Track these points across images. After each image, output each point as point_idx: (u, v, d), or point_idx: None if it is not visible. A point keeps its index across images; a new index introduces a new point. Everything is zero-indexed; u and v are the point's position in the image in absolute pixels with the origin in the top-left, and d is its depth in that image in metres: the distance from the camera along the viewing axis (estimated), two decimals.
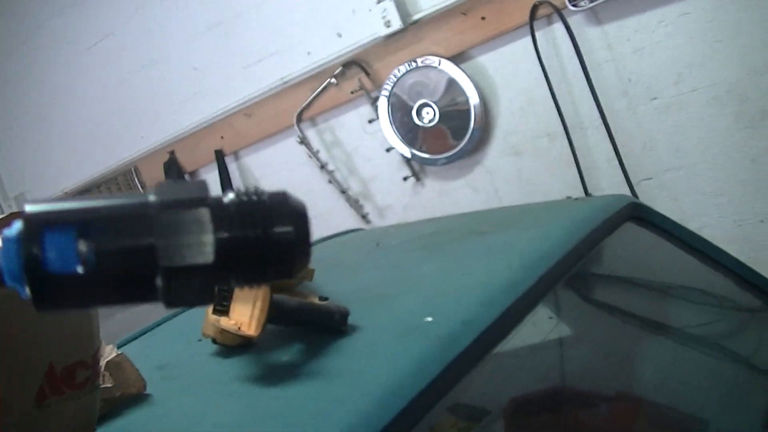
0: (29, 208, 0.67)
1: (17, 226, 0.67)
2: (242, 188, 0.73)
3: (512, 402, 1.95)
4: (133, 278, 0.68)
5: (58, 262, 0.65)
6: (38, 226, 0.66)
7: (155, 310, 2.55)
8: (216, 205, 0.70)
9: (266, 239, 0.71)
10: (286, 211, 0.73)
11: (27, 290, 0.66)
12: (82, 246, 0.66)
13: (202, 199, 0.70)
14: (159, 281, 0.67)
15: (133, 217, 0.68)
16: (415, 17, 4.54)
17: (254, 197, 0.72)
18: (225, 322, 1.72)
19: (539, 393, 2.04)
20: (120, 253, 0.67)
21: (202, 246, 0.68)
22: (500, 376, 1.90)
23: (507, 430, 1.94)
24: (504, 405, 1.93)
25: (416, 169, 4.92)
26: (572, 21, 4.16)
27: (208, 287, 0.70)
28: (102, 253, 0.66)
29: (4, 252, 0.67)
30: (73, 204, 0.69)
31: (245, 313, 1.69)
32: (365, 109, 4.93)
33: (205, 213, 0.69)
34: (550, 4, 4.12)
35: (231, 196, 0.72)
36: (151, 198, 0.69)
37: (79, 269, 0.65)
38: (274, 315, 1.72)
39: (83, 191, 6.26)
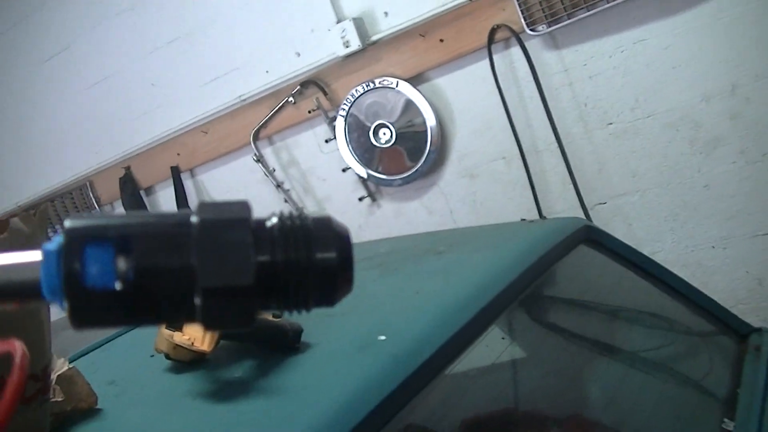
0: (69, 222, 0.67)
1: (58, 239, 0.67)
2: (286, 212, 0.72)
3: (464, 424, 1.95)
4: (172, 297, 0.67)
5: (98, 277, 0.65)
6: (79, 240, 0.66)
7: None
8: (258, 227, 0.70)
9: (308, 264, 0.69)
10: (330, 237, 0.71)
11: (65, 305, 0.65)
12: (122, 262, 0.65)
13: (244, 219, 0.69)
14: (198, 301, 0.66)
15: (173, 235, 0.68)
16: (374, 38, 4.56)
17: (297, 221, 0.71)
18: (178, 337, 1.71)
19: (491, 415, 2.04)
20: (159, 270, 0.66)
21: (243, 267, 0.67)
22: (453, 397, 1.90)
23: None
24: (456, 427, 1.93)
25: (372, 190, 4.93)
26: (530, 45, 4.19)
27: (249, 310, 0.68)
28: (141, 270, 0.66)
29: (44, 265, 0.66)
30: (114, 220, 0.68)
31: (199, 329, 1.68)
32: (322, 129, 4.92)
33: (246, 234, 0.68)
34: (508, 27, 4.15)
35: (274, 219, 0.71)
36: (193, 217, 0.68)
37: (118, 285, 0.65)
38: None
39: (36, 205, 6.20)
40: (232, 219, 0.68)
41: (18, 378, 0.70)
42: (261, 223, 0.70)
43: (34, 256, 0.68)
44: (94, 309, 0.66)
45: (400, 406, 1.48)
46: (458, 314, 1.75)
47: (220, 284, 0.66)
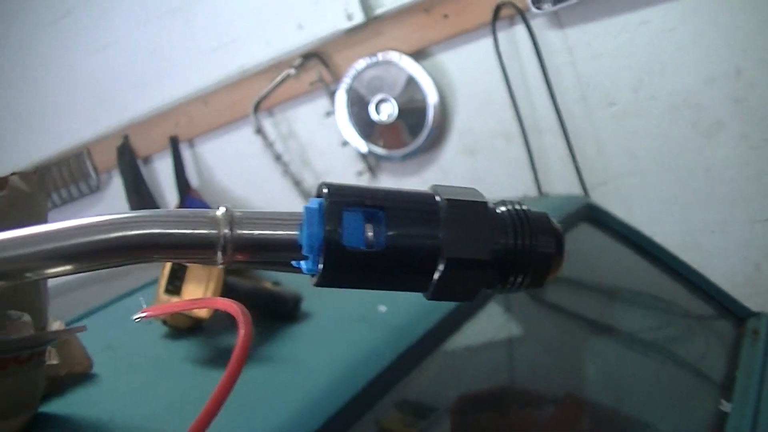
0: (329, 186, 0.75)
1: (317, 201, 0.75)
2: (508, 202, 0.82)
3: (460, 399, 1.95)
4: (414, 264, 0.75)
5: (354, 238, 0.73)
6: (339, 203, 0.74)
7: (104, 290, 2.52)
8: (493, 212, 0.79)
9: (532, 250, 0.79)
10: (550, 229, 0.82)
11: (321, 261, 0.74)
12: (376, 228, 0.74)
13: (485, 203, 0.78)
14: (436, 271, 0.75)
15: (422, 209, 0.76)
16: (378, 12, 4.52)
17: (522, 212, 0.81)
18: None
19: (487, 391, 2.04)
20: (409, 238, 0.74)
21: (483, 244, 0.76)
22: (451, 371, 1.90)
23: (453, 427, 1.94)
24: (451, 402, 1.93)
25: (371, 164, 4.91)
26: (534, 23, 4.16)
27: (476, 284, 0.78)
28: (394, 236, 0.74)
29: (307, 221, 0.74)
30: (369, 191, 0.76)
31: (197, 294, 1.68)
32: (323, 102, 4.89)
33: (487, 216, 0.78)
34: (513, 5, 4.12)
35: (503, 207, 0.81)
36: (437, 197, 0.77)
37: (372, 248, 0.74)
38: (227, 297, 1.70)
39: (33, 171, 6.16)
40: (475, 201, 0.78)
41: (245, 335, 0.78)
42: (493, 209, 0.80)
43: (294, 215, 0.77)
44: (345, 268, 0.74)
45: (398, 377, 1.48)
46: None
47: (463, 256, 0.75)
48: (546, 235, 0.80)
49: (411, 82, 4.51)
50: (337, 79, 4.75)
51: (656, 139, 4.07)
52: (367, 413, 1.39)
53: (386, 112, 4.59)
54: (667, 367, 2.42)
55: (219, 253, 0.75)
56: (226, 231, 0.75)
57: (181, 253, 0.76)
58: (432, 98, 4.48)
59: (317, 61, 4.80)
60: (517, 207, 0.81)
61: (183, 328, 1.78)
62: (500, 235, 0.78)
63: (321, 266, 0.74)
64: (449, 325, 1.66)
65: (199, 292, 1.67)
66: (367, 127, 4.70)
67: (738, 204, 4.00)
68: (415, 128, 4.57)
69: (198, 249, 0.75)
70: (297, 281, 1.88)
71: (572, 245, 2.36)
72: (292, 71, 4.84)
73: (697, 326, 2.71)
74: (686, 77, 3.92)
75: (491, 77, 4.37)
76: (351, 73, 4.65)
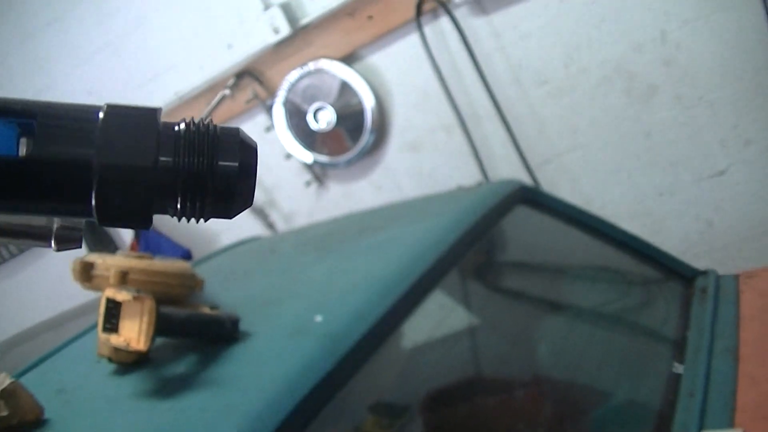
0: None
1: None
2: (196, 119, 0.71)
3: (427, 396, 1.96)
4: (69, 175, 0.66)
5: (3, 151, 0.64)
6: None
7: (56, 338, 2.52)
8: (166, 127, 0.69)
9: (209, 170, 0.69)
10: (235, 147, 0.71)
11: None
12: (24, 136, 0.65)
13: (153, 111, 0.68)
14: (94, 184, 0.65)
15: (82, 117, 0.67)
16: (303, 22, 4.52)
17: (204, 128, 0.70)
18: (114, 339, 1.71)
19: (450, 385, 2.05)
20: (63, 147, 0.65)
21: (145, 150, 0.66)
22: (396, 369, 1.91)
23: (425, 422, 1.96)
24: (420, 399, 1.94)
25: (318, 173, 4.91)
26: (458, 13, 4.18)
27: (143, 202, 0.68)
28: (45, 147, 0.65)
29: None
30: (25, 100, 0.67)
31: (133, 329, 1.68)
32: (262, 118, 4.89)
33: (153, 125, 0.68)
34: None
35: (182, 124, 0.70)
36: (102, 109, 0.67)
37: (18, 156, 0.64)
38: (163, 328, 1.70)
39: None
40: (140, 108, 0.68)
41: None
42: (169, 124, 0.70)
43: None
44: None
45: (341, 383, 1.49)
46: (394, 287, 1.76)
47: (117, 162, 0.65)
48: (229, 152, 0.70)
49: (345, 87, 4.52)
50: (272, 93, 4.75)
51: (593, 111, 4.10)
52: (314, 419, 1.40)
53: (325, 119, 4.60)
54: (620, 336, 2.44)
55: None
56: None
57: None
58: (368, 100, 4.49)
59: (251, 79, 4.80)
60: (199, 124, 0.70)
61: (128, 362, 1.78)
62: (170, 149, 0.68)
63: None
64: (388, 325, 1.67)
65: (135, 326, 1.67)
66: (308, 138, 4.70)
67: (682, 164, 4.03)
68: (356, 132, 4.58)
69: None
70: (236, 303, 1.89)
71: (511, 229, 2.39)
72: (227, 92, 4.84)
73: (647, 292, 2.73)
74: (614, 47, 3.95)
75: (423, 72, 4.38)
76: (285, 85, 4.65)
